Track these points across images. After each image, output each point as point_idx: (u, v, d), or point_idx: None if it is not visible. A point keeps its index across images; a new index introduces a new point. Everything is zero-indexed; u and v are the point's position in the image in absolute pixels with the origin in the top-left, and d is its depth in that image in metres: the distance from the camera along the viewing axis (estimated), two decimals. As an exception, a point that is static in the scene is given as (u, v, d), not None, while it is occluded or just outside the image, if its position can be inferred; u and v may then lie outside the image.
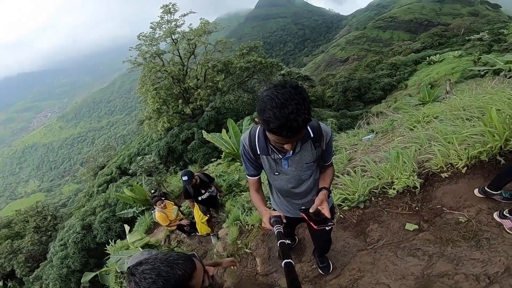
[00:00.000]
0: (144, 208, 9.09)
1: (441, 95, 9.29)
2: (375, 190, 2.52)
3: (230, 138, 8.17)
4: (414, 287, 1.74)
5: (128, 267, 1.66)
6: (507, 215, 1.76)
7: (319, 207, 1.25)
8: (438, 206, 2.11)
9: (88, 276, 5.95)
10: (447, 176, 2.23)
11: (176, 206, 4.97)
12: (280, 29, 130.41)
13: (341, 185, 2.75)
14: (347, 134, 6.61)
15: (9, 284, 15.80)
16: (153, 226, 8.29)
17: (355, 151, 4.53)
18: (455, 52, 28.24)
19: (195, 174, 3.91)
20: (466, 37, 37.63)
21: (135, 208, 9.28)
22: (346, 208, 2.55)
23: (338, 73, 36.91)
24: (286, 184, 1.47)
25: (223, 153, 8.24)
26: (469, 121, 2.69)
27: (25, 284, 14.57)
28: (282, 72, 21.85)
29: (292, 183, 1.46)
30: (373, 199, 2.51)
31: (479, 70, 13.43)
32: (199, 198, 4.13)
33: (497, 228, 1.81)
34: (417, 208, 2.21)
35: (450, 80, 10.33)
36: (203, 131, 9.47)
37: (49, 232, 17.49)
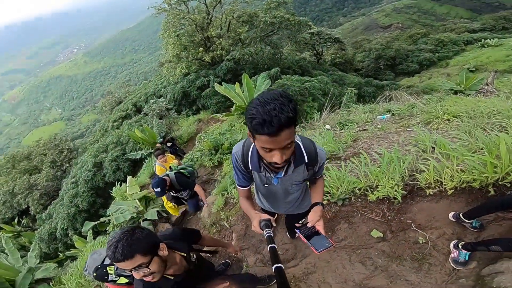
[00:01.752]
0: (152, 150, 9.45)
1: (480, 84, 8.42)
2: (357, 191, 2.47)
3: (243, 92, 8.12)
4: (350, 293, 1.81)
5: (95, 273, 1.95)
6: (460, 247, 1.75)
7: (314, 224, 1.23)
8: (408, 221, 2.08)
9: (88, 226, 6.61)
10: (431, 193, 2.13)
11: (176, 160, 5.06)
12: None
13: (328, 177, 2.69)
14: (363, 108, 6.33)
15: (22, 221, 16.46)
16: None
17: (364, 130, 4.36)
18: (518, 39, 24.60)
19: (167, 178, 3.34)
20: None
21: (143, 150, 9.61)
22: (324, 202, 2.51)
23: (375, 39, 33.67)
24: (273, 193, 1.51)
25: (234, 106, 8.22)
26: (489, 131, 2.42)
27: (37, 221, 14.66)
28: (311, 31, 20.17)
29: (279, 194, 1.49)
30: (353, 198, 2.47)
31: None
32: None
33: (445, 256, 1.83)
34: (389, 217, 2.17)
35: (495, 71, 9.15)
36: (215, 83, 9.27)
37: (64, 167, 17.88)
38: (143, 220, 4.77)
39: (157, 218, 4.71)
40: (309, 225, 1.23)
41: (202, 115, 11.73)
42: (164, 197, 3.84)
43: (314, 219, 1.24)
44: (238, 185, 1.47)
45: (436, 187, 2.13)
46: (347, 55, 25.37)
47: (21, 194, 16.41)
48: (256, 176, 1.40)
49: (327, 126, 5.46)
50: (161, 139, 7.03)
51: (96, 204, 10.37)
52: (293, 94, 8.45)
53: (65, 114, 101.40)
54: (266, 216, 1.23)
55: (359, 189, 2.45)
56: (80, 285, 3.85)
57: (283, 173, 1.29)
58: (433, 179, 2.16)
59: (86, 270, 2.26)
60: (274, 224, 1.21)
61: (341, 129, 5.01)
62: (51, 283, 4.52)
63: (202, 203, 4.06)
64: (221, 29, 15.89)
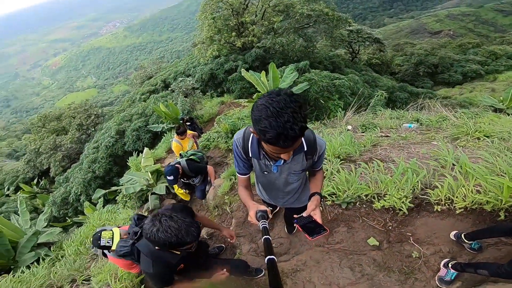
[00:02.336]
0: (173, 126, 9.71)
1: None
2: (364, 197, 2.38)
3: (268, 81, 8.04)
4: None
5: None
6: (449, 266, 1.72)
7: (311, 214, 1.24)
8: (408, 234, 2.02)
9: (98, 193, 6.87)
10: (439, 209, 2.01)
11: (192, 139, 5.02)
12: None
13: (337, 179, 2.62)
14: (390, 113, 6.01)
15: (41, 183, 17.25)
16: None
17: (386, 136, 4.14)
18: None
19: (179, 166, 3.35)
20: None
21: (165, 124, 9.87)
22: (329, 202, 2.49)
23: (419, 44, 31.60)
24: (272, 183, 1.52)
25: (256, 94, 8.18)
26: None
27: (55, 183, 14.95)
28: (350, 28, 19.22)
29: (279, 183, 1.50)
30: (358, 203, 2.40)
31: None
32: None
33: (433, 273, 1.79)
34: (390, 228, 2.10)
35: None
36: (242, 69, 9.23)
37: (89, 131, 18.37)
38: (151, 194, 4.90)
39: (165, 193, 4.81)
40: (305, 213, 1.23)
41: (226, 98, 11.82)
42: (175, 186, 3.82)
43: (310, 208, 1.24)
44: (238, 172, 1.48)
45: (446, 204, 2.02)
46: (385, 57, 24.04)
47: (45, 154, 17.04)
48: (256, 164, 1.41)
49: (349, 127, 5.23)
50: (181, 118, 7.09)
51: (112, 172, 10.64)
52: (319, 90, 8.18)
53: (99, 82, 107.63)
54: (263, 207, 1.22)
55: (366, 196, 2.37)
56: (79, 252, 3.99)
57: (282, 161, 1.28)
58: (445, 196, 2.04)
59: (93, 248, 2.26)
60: (270, 216, 1.20)
61: (363, 132, 4.80)
62: (52, 248, 4.72)
63: (210, 184, 4.03)
64: (256, 16, 15.74)
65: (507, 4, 57.03)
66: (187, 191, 4.15)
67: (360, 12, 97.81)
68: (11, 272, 3.97)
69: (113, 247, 1.96)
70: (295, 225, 1.22)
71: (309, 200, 1.31)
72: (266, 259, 0.85)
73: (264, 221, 1.14)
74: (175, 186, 3.89)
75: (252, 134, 1.31)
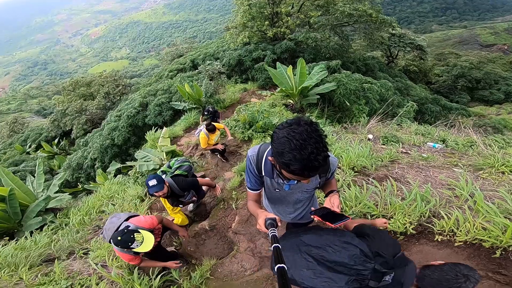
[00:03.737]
0: (194, 106, 9.85)
1: None
2: (369, 216, 2.35)
3: (294, 76, 7.88)
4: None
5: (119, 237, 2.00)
6: None
7: (328, 206, 1.25)
8: None
9: (114, 166, 7.09)
10: (439, 239, 1.96)
11: (219, 131, 4.89)
12: None
13: (347, 195, 2.59)
14: (416, 128, 5.71)
15: (61, 143, 17.82)
16: (192, 127, 9.18)
17: (407, 153, 3.95)
18: None
19: (166, 183, 2.78)
20: None
21: (187, 103, 10.06)
22: None
23: (465, 56, 29.27)
24: (282, 199, 1.54)
25: (279, 88, 8.07)
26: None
27: (75, 146, 15.47)
28: (393, 32, 18.07)
29: (288, 200, 1.52)
30: None
31: None
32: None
33: None
34: None
35: None
36: (266, 65, 9.11)
37: (115, 100, 18.97)
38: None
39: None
40: (328, 206, 1.24)
41: (249, 86, 11.78)
42: (169, 206, 3.16)
43: (333, 202, 1.27)
44: (249, 188, 1.48)
45: (448, 235, 1.96)
46: (425, 65, 22.55)
47: (70, 116, 17.85)
48: (268, 182, 1.42)
49: (370, 136, 5.05)
50: (207, 110, 6.87)
51: (129, 142, 10.94)
52: (346, 93, 7.87)
53: (132, 54, 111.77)
54: (272, 215, 1.21)
55: (372, 215, 2.34)
56: (83, 222, 4.11)
57: (295, 181, 1.27)
58: (449, 228, 1.98)
59: (102, 233, 2.28)
60: (279, 224, 1.19)
61: (383, 144, 4.60)
62: (58, 214, 4.85)
63: (203, 194, 3.62)
64: (293, 7, 15.23)
65: None
66: (179, 207, 3.40)
67: (407, 15, 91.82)
68: (15, 237, 4.09)
69: (140, 249, 1.98)
70: (312, 216, 1.22)
71: (326, 196, 1.35)
72: (276, 267, 0.84)
73: (273, 229, 1.12)
74: (169, 210, 3.23)
75: (266, 153, 1.32)
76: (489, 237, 1.81)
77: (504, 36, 49.56)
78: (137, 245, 1.95)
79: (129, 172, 6.05)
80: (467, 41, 50.24)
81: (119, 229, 2.09)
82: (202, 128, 4.74)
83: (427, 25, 75.85)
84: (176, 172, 3.15)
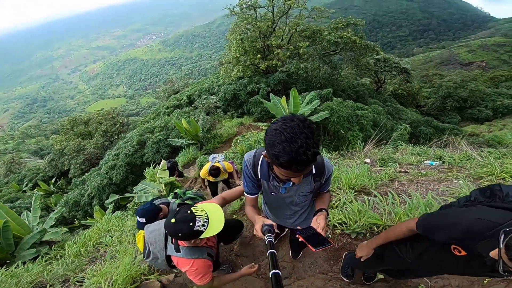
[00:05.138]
0: (192, 142, 9.92)
1: None
2: (375, 228, 2.41)
3: (288, 107, 8.12)
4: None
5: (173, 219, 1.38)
6: None
7: (314, 226, 1.24)
8: None
9: (112, 198, 7.05)
10: None
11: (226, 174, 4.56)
12: (399, 11, 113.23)
13: (349, 209, 2.63)
14: (412, 149, 5.81)
15: (59, 182, 17.75)
16: (190, 163, 9.19)
17: (405, 172, 4.01)
18: None
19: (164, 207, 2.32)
20: None
21: (185, 139, 10.14)
22: (338, 231, 2.50)
23: (448, 76, 30.70)
24: (279, 203, 1.54)
25: (275, 119, 8.23)
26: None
27: (71, 185, 15.15)
28: (377, 57, 19.12)
29: (286, 204, 1.53)
30: (368, 234, 2.40)
31: None
32: None
33: None
34: None
35: None
36: (260, 98, 9.44)
37: (112, 139, 19.10)
38: None
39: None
40: (314, 226, 1.24)
41: (245, 120, 12.02)
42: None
43: (319, 222, 1.26)
44: (246, 192, 1.51)
45: None
46: (412, 88, 23.52)
47: (68, 156, 17.75)
48: (265, 185, 1.44)
49: (367, 160, 5.11)
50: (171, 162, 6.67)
51: (128, 180, 10.92)
52: (339, 120, 8.11)
53: (129, 92, 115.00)
54: (269, 221, 1.23)
55: (378, 227, 2.37)
56: (79, 253, 3.97)
57: (291, 183, 1.30)
58: None
59: (147, 256, 1.59)
60: (276, 230, 1.22)
61: (381, 166, 4.66)
62: (53, 246, 4.74)
63: None
64: (282, 40, 16.16)
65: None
66: None
67: (389, 40, 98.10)
68: (5, 266, 3.91)
69: (211, 231, 1.35)
70: (297, 236, 1.21)
71: (315, 215, 1.33)
72: (270, 273, 0.84)
73: (270, 235, 1.14)
74: None
75: (262, 157, 1.34)
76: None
77: (480, 53, 52.71)
78: (204, 224, 1.33)
79: (127, 205, 5.98)
80: (448, 61, 53.19)
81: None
82: (215, 157, 4.54)
83: (409, 49, 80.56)
84: (187, 201, 2.47)
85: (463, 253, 0.95)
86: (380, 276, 2.05)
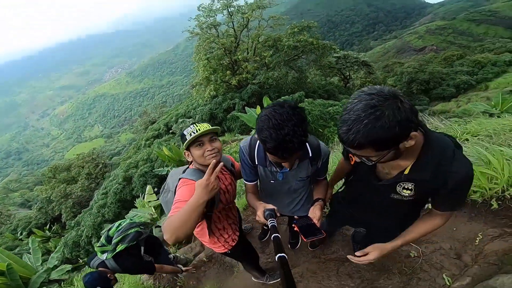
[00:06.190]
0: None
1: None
2: None
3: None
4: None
5: None
6: None
7: (311, 216, 1.24)
8: None
9: (106, 227, 6.97)
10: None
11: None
12: (348, 9, 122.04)
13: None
14: None
15: (53, 228, 17.59)
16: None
17: None
18: None
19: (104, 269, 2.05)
20: None
21: (170, 167, 10.09)
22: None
23: (407, 62, 32.84)
24: (278, 190, 1.54)
25: (253, 130, 8.53)
26: (506, 147, 2.33)
27: (66, 228, 15.40)
28: (337, 55, 20.23)
29: (284, 190, 1.53)
30: None
31: None
32: None
33: (437, 271, 1.73)
34: None
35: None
36: (234, 112, 9.71)
37: (98, 180, 18.99)
38: (155, 227, 5.02)
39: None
40: (311, 216, 1.24)
41: (227, 137, 12.17)
42: None
43: (315, 213, 1.26)
44: (245, 180, 1.50)
45: None
46: (377, 79, 24.90)
47: (56, 202, 17.68)
48: (262, 171, 1.43)
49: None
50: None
51: (121, 216, 10.68)
52: (314, 120, 8.52)
53: (106, 131, 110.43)
54: (271, 206, 1.22)
55: None
56: None
57: (287, 168, 1.31)
58: None
59: (162, 190, 1.53)
60: (278, 214, 1.21)
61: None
62: (62, 284, 4.72)
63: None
64: (248, 53, 16.63)
65: (476, 13, 61.01)
66: None
67: (346, 38, 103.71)
68: None
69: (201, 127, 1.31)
70: (293, 225, 1.22)
71: (312, 205, 1.33)
72: (276, 256, 0.83)
73: (273, 219, 1.13)
74: None
75: (258, 143, 1.34)
76: (473, 188, 1.90)
77: (428, 38, 57.27)
78: (192, 129, 1.31)
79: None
80: (403, 49, 57.12)
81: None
82: None
83: (366, 43, 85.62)
84: (118, 249, 2.04)
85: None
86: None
